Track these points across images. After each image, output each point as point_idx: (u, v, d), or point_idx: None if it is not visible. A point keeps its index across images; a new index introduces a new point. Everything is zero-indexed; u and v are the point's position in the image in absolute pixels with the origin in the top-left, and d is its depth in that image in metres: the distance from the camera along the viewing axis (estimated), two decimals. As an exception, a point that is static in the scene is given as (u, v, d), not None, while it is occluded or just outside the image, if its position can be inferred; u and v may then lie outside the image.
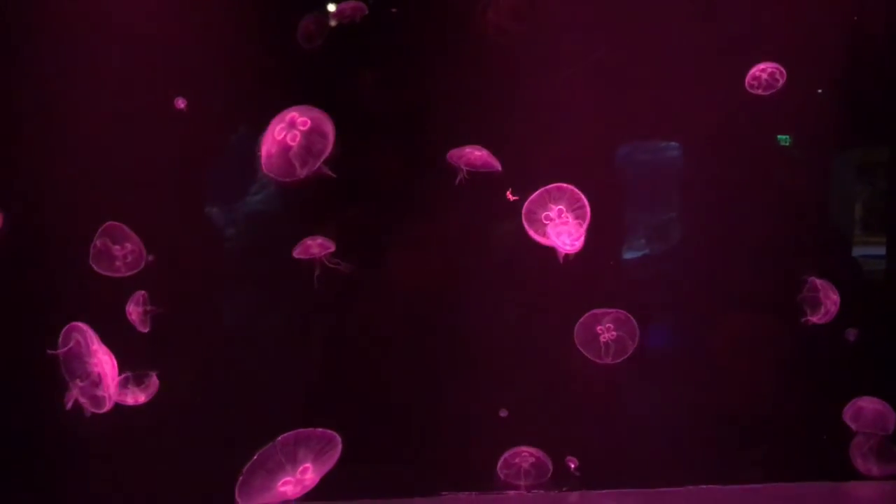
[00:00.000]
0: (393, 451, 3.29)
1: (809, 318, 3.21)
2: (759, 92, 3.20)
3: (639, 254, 3.59)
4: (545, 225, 2.89)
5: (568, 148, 3.03)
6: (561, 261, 2.86)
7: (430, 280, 3.38)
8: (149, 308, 3.00)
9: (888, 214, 3.66)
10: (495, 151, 3.08)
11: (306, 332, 3.48)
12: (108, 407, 2.43)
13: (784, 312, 3.27)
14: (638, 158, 3.53)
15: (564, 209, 2.88)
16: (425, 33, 3.16)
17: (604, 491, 3.11)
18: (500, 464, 3.15)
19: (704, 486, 3.10)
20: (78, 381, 2.38)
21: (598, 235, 2.93)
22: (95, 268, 2.96)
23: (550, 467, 3.16)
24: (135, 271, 3.02)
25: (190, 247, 3.22)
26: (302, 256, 3.11)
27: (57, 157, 3.08)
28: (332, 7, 3.19)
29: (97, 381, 2.38)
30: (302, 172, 2.53)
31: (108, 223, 2.96)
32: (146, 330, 3.02)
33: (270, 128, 2.57)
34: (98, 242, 2.96)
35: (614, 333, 3.10)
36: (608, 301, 3.11)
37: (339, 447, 2.17)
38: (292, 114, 2.56)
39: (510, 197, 2.97)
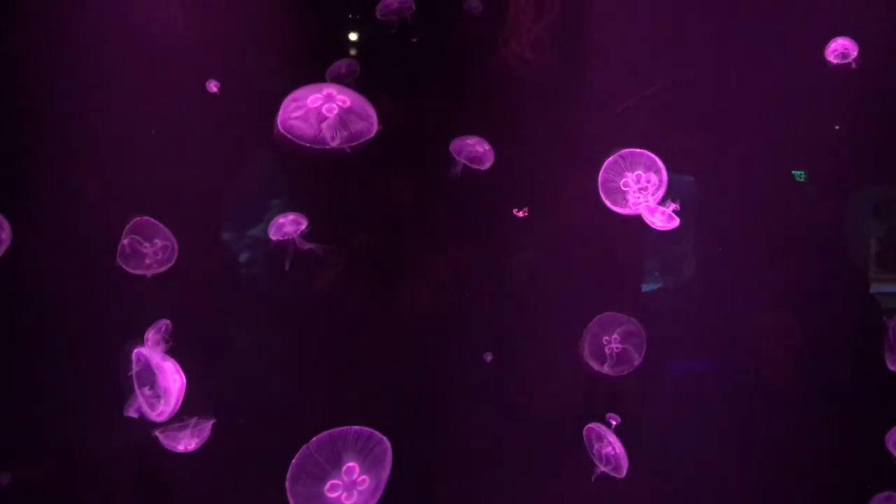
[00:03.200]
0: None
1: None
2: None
3: (654, 287, 3.57)
4: (625, 192, 2.80)
5: (588, 178, 3.02)
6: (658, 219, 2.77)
7: (441, 309, 3.36)
8: (168, 340, 2.93)
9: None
10: (513, 179, 3.07)
11: (315, 358, 3.46)
12: (164, 418, 2.40)
13: (801, 349, 3.26)
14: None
15: (643, 174, 2.80)
16: (447, 64, 3.16)
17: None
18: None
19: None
20: (146, 390, 2.33)
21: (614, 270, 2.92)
22: (124, 267, 2.88)
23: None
24: (166, 267, 2.94)
25: (206, 271, 3.22)
26: (278, 237, 3.03)
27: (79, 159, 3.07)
28: (353, 36, 3.21)
29: (161, 395, 2.33)
30: (333, 142, 2.44)
31: (136, 219, 2.88)
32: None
33: (302, 94, 2.45)
34: (126, 241, 2.89)
35: (620, 346, 3.07)
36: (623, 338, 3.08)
37: (385, 443, 2.08)
38: (330, 90, 2.47)
39: (518, 214, 2.95)
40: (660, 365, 3.36)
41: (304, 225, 3.02)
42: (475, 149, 3.06)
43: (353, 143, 2.43)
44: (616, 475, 2.84)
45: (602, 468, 2.87)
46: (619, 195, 2.80)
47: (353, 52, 3.24)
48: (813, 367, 3.29)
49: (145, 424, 2.44)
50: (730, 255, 3.42)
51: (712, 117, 3.26)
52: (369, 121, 2.48)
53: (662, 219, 2.75)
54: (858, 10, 3.10)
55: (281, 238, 3.02)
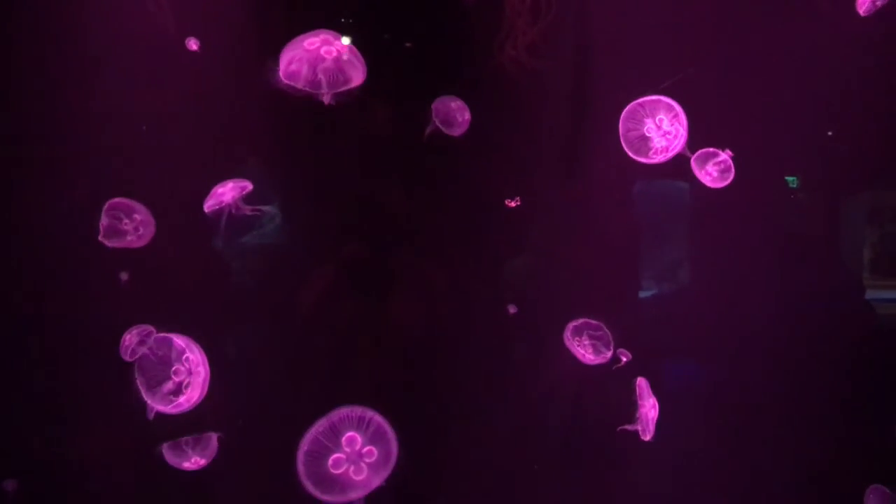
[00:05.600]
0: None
1: None
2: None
3: (648, 293, 3.55)
4: (649, 138, 2.76)
5: (584, 183, 3.01)
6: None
7: (435, 319, 3.33)
8: (147, 346, 2.85)
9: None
10: (510, 185, 3.04)
11: (307, 369, 3.41)
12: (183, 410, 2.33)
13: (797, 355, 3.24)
14: (650, 197, 3.50)
15: (665, 118, 2.76)
16: (441, 68, 3.14)
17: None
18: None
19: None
20: (163, 387, 2.27)
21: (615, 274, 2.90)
22: (107, 243, 2.85)
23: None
24: (147, 241, 2.92)
25: (195, 278, 3.17)
26: (215, 208, 2.85)
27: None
28: (346, 40, 3.17)
29: (179, 390, 2.26)
30: (326, 92, 2.42)
31: (110, 201, 2.87)
32: (128, 359, 2.75)
33: (298, 41, 2.46)
34: (105, 220, 2.86)
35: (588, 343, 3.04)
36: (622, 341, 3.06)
37: (377, 418, 2.06)
38: (326, 35, 2.48)
39: (509, 204, 2.93)
40: (656, 371, 3.34)
41: (248, 188, 2.85)
42: (454, 115, 3.00)
43: (345, 90, 2.40)
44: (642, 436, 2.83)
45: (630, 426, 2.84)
46: (643, 144, 2.75)
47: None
48: (809, 373, 3.27)
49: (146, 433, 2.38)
50: (725, 262, 3.40)
51: (705, 122, 3.24)
52: (361, 69, 2.51)
53: (716, 171, 2.72)
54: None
55: (217, 206, 2.84)
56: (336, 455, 2.01)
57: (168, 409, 2.34)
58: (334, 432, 2.03)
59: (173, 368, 2.35)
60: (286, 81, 2.48)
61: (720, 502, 3.30)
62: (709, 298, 3.42)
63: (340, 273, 3.28)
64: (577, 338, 2.98)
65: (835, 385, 3.21)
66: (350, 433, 2.03)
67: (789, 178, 3.55)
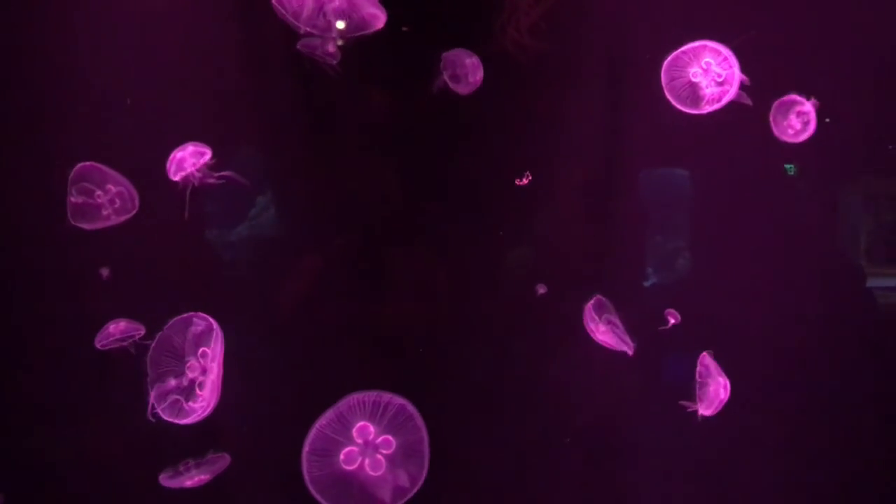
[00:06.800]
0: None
1: None
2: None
3: (647, 283, 3.51)
4: (696, 84, 2.62)
5: (587, 167, 2.96)
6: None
7: (431, 314, 3.26)
8: (129, 344, 2.63)
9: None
10: (512, 168, 2.97)
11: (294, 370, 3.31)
12: (190, 421, 2.09)
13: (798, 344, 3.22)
14: (649, 185, 3.46)
15: (712, 61, 2.62)
16: (440, 52, 3.07)
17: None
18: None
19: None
20: (171, 381, 2.05)
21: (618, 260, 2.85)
22: (81, 225, 2.52)
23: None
24: (128, 216, 2.57)
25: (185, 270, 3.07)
26: (181, 176, 2.58)
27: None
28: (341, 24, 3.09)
29: (191, 389, 2.05)
30: (328, 40, 2.23)
31: (79, 166, 2.49)
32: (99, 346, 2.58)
33: None
34: (75, 197, 2.49)
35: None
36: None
37: (396, 401, 1.85)
38: None
39: (520, 182, 2.86)
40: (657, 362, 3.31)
41: (206, 156, 2.60)
42: (466, 71, 2.89)
43: (358, 34, 2.24)
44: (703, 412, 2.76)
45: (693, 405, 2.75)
46: (693, 93, 2.62)
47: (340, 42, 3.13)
48: (810, 361, 3.24)
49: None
50: (725, 250, 3.37)
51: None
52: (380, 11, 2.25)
53: (799, 123, 2.61)
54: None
55: (183, 176, 2.57)
56: (348, 448, 1.81)
57: (177, 419, 2.10)
58: (343, 423, 1.83)
59: (187, 363, 2.11)
60: (280, 9, 2.24)
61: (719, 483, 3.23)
62: (708, 288, 3.38)
63: (329, 267, 3.20)
64: (598, 317, 2.91)
65: (838, 373, 3.19)
66: (361, 423, 1.83)
67: (787, 166, 3.53)
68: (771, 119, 2.63)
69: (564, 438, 3.16)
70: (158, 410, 2.07)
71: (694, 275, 3.48)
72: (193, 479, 2.44)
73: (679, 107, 2.64)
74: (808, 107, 2.69)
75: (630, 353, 2.88)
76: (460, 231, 3.17)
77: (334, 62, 2.56)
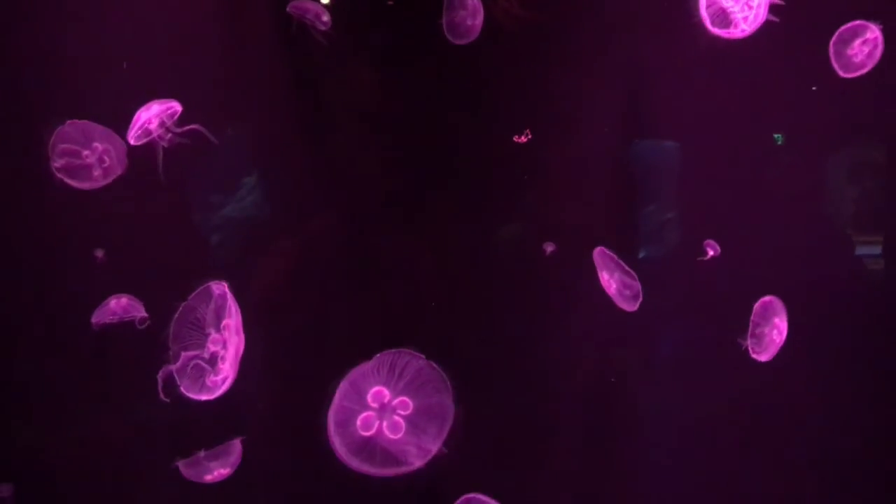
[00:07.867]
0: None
1: None
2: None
3: (640, 255, 3.50)
4: (728, 12, 2.53)
5: (581, 140, 2.93)
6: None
7: (420, 295, 3.22)
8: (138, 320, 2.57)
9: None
10: (505, 142, 2.92)
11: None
12: (212, 396, 1.97)
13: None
14: (640, 156, 3.45)
15: None
16: (427, 26, 3.01)
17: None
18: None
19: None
20: (190, 353, 1.93)
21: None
22: (72, 183, 2.35)
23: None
24: (116, 175, 2.42)
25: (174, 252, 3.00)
26: (142, 140, 2.38)
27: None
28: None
29: (212, 363, 1.95)
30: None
31: (59, 129, 2.34)
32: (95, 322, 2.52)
33: None
34: (59, 161, 2.32)
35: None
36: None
37: (418, 360, 1.74)
38: None
39: (518, 139, 2.83)
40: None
41: (174, 108, 2.41)
42: (465, 21, 2.83)
43: None
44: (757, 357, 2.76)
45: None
46: (723, 14, 2.54)
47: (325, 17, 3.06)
48: (801, 334, 3.25)
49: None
50: (714, 223, 3.36)
51: (692, 83, 3.20)
52: None
53: (865, 50, 2.50)
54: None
55: (147, 139, 2.38)
56: (364, 414, 1.72)
57: (199, 395, 1.98)
58: (357, 392, 1.77)
59: (209, 336, 2.00)
60: None
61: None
62: (697, 261, 3.38)
63: (310, 249, 3.14)
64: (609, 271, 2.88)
65: (832, 340, 3.20)
66: (376, 388, 1.74)
67: (775, 136, 3.52)
68: (832, 51, 2.53)
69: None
70: (181, 386, 1.95)
71: (684, 247, 3.47)
72: (213, 472, 2.35)
73: (712, 28, 2.58)
74: (875, 31, 2.58)
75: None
76: (454, 208, 3.13)
77: (324, 28, 2.48)
